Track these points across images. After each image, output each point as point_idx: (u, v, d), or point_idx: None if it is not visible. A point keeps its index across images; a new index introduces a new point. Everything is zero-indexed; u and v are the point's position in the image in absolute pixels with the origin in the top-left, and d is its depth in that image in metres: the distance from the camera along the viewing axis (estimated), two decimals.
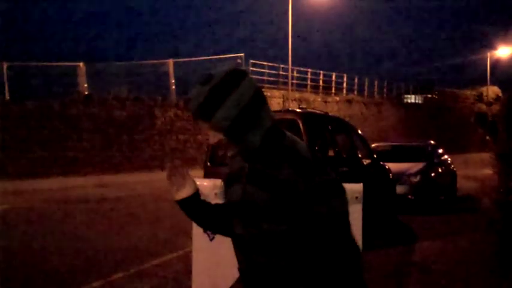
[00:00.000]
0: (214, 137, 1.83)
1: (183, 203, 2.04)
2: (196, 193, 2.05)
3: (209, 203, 2.09)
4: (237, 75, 1.78)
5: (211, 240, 3.54)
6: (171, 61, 22.28)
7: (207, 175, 7.05)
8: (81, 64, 20.47)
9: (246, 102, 1.76)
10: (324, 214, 1.73)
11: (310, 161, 1.77)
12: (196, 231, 3.69)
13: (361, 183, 3.32)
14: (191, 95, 1.79)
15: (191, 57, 24.07)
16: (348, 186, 3.27)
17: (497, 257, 7.09)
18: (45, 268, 6.35)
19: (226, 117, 1.74)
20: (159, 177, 18.09)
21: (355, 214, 3.26)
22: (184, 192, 2.02)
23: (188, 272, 3.90)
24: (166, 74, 22.20)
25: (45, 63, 21.11)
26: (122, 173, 19.04)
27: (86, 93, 20.17)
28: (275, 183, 1.75)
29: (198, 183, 2.08)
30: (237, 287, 2.08)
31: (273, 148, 1.81)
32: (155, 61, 23.06)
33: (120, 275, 6.03)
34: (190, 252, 4.01)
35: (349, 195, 3.28)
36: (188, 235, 3.13)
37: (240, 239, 1.89)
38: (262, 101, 1.82)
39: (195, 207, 2.05)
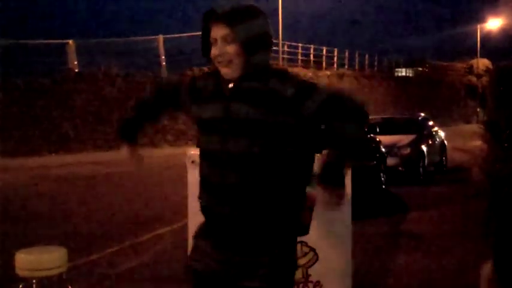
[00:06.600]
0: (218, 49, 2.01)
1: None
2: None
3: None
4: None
5: None
6: (161, 37, 22.13)
7: None
8: (70, 41, 20.27)
9: (268, 29, 2.06)
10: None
11: (309, 84, 2.05)
12: (192, 204, 3.74)
13: None
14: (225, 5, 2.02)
15: (179, 33, 23.98)
16: None
17: (486, 225, 7.22)
18: (38, 244, 6.40)
19: (252, 29, 1.99)
20: (150, 154, 18.09)
21: None
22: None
23: (183, 245, 3.97)
24: (157, 50, 22.07)
25: (34, 41, 20.90)
26: (113, 150, 19.02)
27: (76, 70, 20.04)
28: (277, 100, 1.97)
29: None
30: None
31: (278, 70, 2.12)
32: (145, 37, 22.91)
33: (115, 248, 6.12)
34: (185, 226, 4.07)
35: None
36: (180, 210, 3.18)
37: (217, 155, 2.04)
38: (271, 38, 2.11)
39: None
